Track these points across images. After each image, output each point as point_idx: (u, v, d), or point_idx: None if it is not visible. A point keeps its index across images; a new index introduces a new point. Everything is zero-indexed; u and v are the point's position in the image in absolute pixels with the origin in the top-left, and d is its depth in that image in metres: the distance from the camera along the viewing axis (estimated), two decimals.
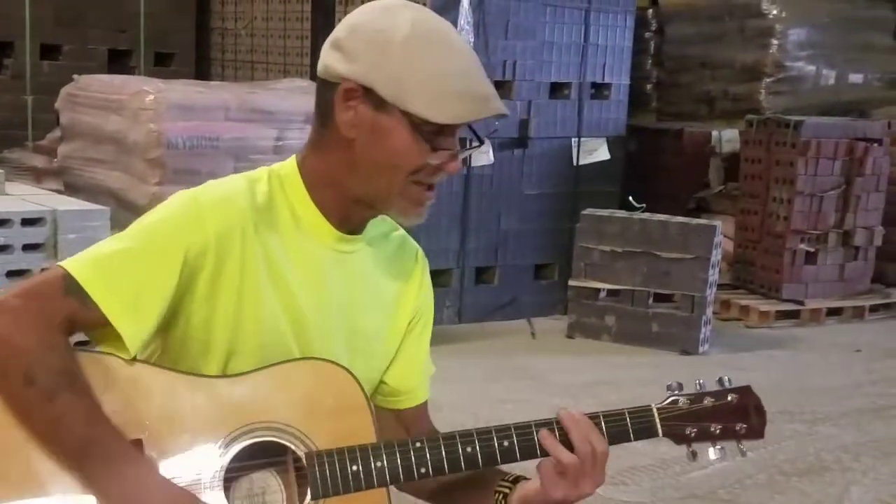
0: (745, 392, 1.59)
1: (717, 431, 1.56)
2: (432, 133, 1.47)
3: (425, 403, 1.73)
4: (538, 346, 5.62)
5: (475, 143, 1.60)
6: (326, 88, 1.52)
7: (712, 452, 1.57)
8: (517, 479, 1.61)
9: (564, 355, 5.40)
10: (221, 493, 1.44)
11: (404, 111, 1.45)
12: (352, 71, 1.47)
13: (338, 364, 1.52)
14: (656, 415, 1.56)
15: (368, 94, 1.47)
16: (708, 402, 1.57)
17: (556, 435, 1.52)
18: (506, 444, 1.51)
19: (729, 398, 1.58)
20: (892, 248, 6.86)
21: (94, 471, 1.38)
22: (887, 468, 3.99)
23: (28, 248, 4.14)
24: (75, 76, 5.83)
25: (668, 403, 1.57)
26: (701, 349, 5.51)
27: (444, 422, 1.76)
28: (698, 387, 1.59)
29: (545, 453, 1.52)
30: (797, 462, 3.99)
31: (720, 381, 1.60)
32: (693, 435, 1.56)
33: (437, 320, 6.45)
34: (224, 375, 1.50)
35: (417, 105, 1.45)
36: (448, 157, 1.50)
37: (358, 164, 1.51)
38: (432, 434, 1.56)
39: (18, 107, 7.37)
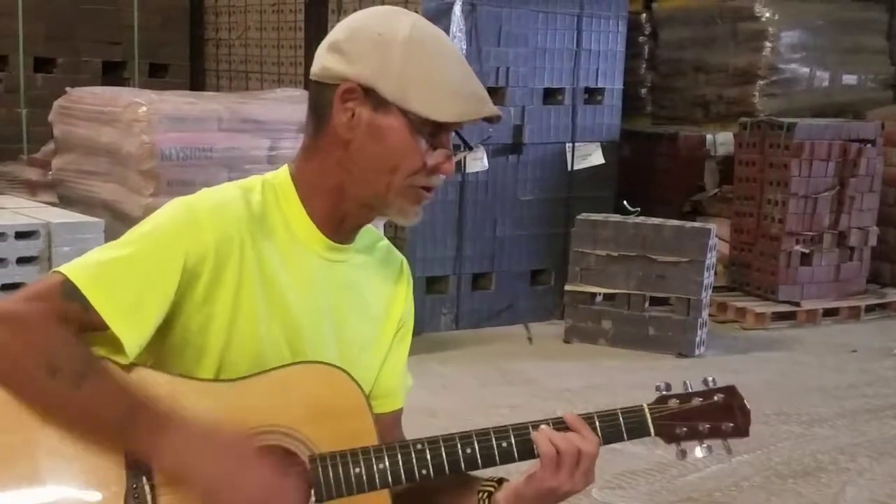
0: (731, 391, 1.62)
1: (706, 430, 1.59)
2: (429, 133, 1.50)
3: (400, 412, 1.75)
4: (535, 351, 5.62)
5: (465, 149, 1.63)
6: (323, 91, 1.54)
7: (699, 451, 1.60)
8: (501, 480, 1.62)
9: (561, 360, 5.41)
10: None
11: (404, 111, 1.48)
12: (353, 72, 1.49)
13: (336, 366, 1.53)
14: (648, 414, 1.58)
15: (368, 95, 1.49)
16: (696, 401, 1.60)
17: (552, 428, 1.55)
18: (504, 444, 1.53)
19: (716, 398, 1.61)
20: (886, 249, 6.88)
21: (143, 442, 1.38)
22: (882, 468, 4.00)
23: (22, 261, 4.15)
24: (68, 89, 5.85)
25: (659, 403, 1.60)
26: (697, 352, 5.51)
27: (441, 428, 1.76)
28: (686, 387, 1.62)
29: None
30: (793, 463, 4.00)
31: (706, 381, 1.63)
32: (683, 434, 1.59)
33: (434, 327, 6.42)
34: (225, 380, 1.51)
35: (419, 104, 1.48)
36: (444, 158, 1.53)
37: (354, 166, 1.53)
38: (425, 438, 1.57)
39: (13, 120, 7.39)
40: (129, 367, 1.46)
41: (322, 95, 1.54)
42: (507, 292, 6.09)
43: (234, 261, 1.50)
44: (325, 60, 1.54)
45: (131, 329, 1.43)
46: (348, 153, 1.53)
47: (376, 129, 1.50)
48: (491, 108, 1.53)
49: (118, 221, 4.76)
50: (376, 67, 1.49)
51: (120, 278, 1.44)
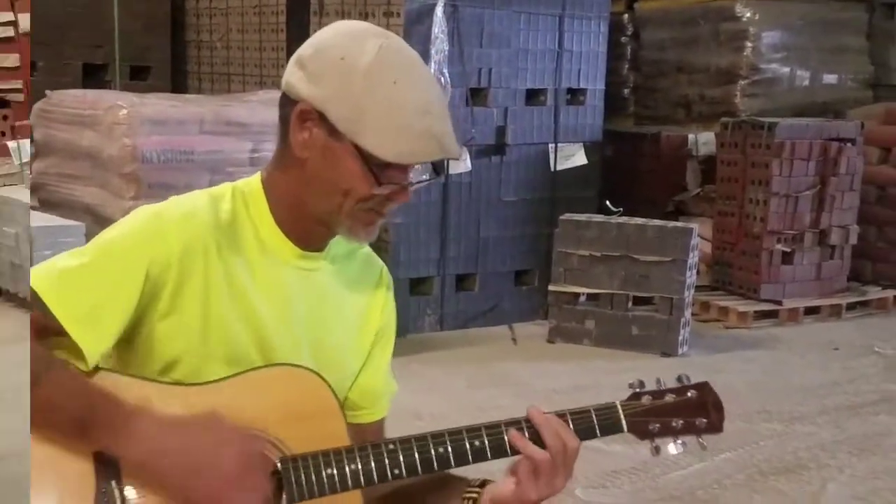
0: (704, 388, 1.63)
1: (679, 426, 1.60)
2: (382, 166, 1.49)
3: (383, 420, 1.75)
4: (519, 351, 5.63)
5: (429, 178, 1.62)
6: (287, 104, 1.53)
7: (673, 447, 1.61)
8: (484, 483, 1.61)
9: (546, 360, 5.41)
10: None
11: (354, 143, 1.47)
12: (310, 94, 1.48)
13: (309, 369, 1.54)
14: (621, 411, 1.59)
15: (323, 119, 1.48)
16: (669, 398, 1.61)
17: (525, 434, 1.54)
18: (477, 443, 1.53)
19: (689, 394, 1.62)
20: (867, 247, 6.92)
21: (107, 436, 1.38)
22: (864, 465, 4.03)
23: None
24: (48, 92, 5.83)
25: (632, 400, 1.61)
26: (680, 351, 5.53)
27: (426, 430, 1.76)
28: (659, 384, 1.63)
29: (517, 452, 1.54)
30: (775, 461, 4.02)
31: (679, 378, 1.64)
32: (656, 430, 1.60)
33: (419, 328, 6.39)
34: (195, 383, 1.51)
35: (368, 140, 1.46)
36: (397, 190, 1.52)
37: (310, 183, 1.53)
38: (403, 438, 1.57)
39: None
40: (95, 371, 1.46)
41: (286, 108, 1.54)
42: (491, 293, 6.09)
43: (199, 270, 1.50)
44: (290, 74, 1.53)
45: (90, 335, 1.43)
46: (305, 170, 1.53)
47: (330, 153, 1.50)
48: (448, 149, 1.50)
49: (99, 225, 4.75)
50: (332, 94, 1.47)
51: (79, 285, 1.44)
